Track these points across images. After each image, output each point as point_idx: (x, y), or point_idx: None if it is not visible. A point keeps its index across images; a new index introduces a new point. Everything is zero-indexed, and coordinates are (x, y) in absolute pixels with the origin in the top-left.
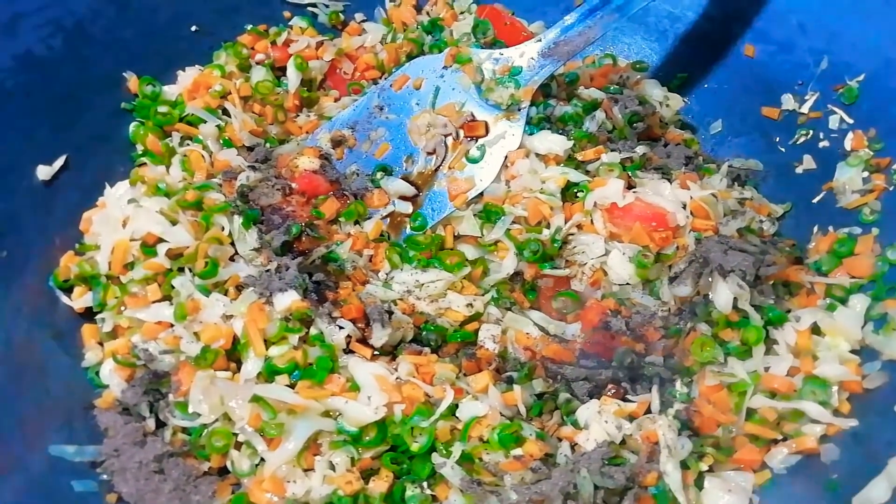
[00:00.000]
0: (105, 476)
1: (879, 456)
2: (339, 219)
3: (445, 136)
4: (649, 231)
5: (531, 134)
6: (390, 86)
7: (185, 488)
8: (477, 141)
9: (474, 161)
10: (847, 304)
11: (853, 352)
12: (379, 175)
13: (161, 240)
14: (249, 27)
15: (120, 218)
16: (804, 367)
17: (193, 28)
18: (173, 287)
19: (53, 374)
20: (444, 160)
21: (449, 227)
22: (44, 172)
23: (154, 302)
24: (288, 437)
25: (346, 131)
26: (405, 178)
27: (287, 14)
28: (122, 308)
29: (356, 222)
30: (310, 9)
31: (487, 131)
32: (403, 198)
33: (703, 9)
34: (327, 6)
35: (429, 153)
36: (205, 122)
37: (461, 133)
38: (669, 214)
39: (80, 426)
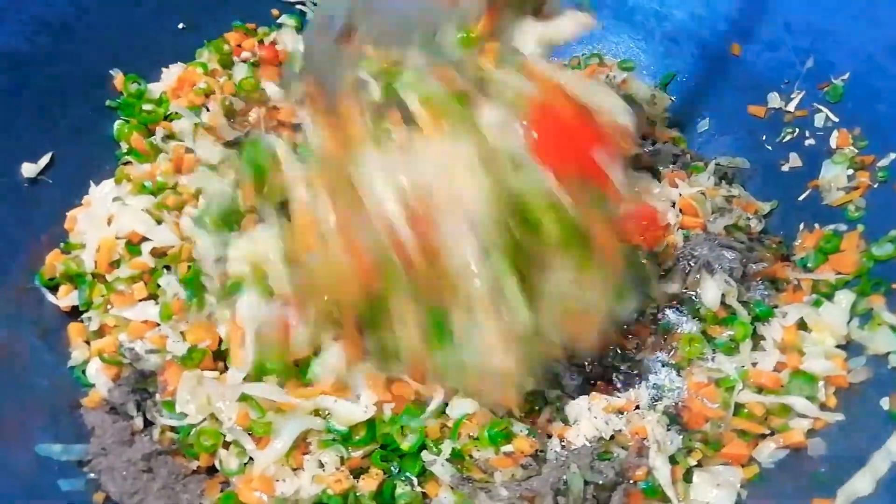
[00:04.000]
0: (92, 475)
1: (865, 449)
2: None
3: None
4: (638, 229)
5: None
6: None
7: (173, 487)
8: None
9: None
10: (833, 300)
11: (839, 347)
12: None
13: (146, 238)
14: (236, 24)
15: (105, 216)
16: (791, 363)
17: (180, 25)
18: (159, 286)
19: (39, 372)
20: None
21: None
22: (28, 170)
23: (140, 300)
24: (276, 436)
25: None
26: None
27: (275, 12)
28: (109, 306)
29: None
30: (298, 6)
31: None
32: None
33: (690, 7)
34: (316, 4)
35: None
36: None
37: None
38: (658, 212)
39: (67, 425)
